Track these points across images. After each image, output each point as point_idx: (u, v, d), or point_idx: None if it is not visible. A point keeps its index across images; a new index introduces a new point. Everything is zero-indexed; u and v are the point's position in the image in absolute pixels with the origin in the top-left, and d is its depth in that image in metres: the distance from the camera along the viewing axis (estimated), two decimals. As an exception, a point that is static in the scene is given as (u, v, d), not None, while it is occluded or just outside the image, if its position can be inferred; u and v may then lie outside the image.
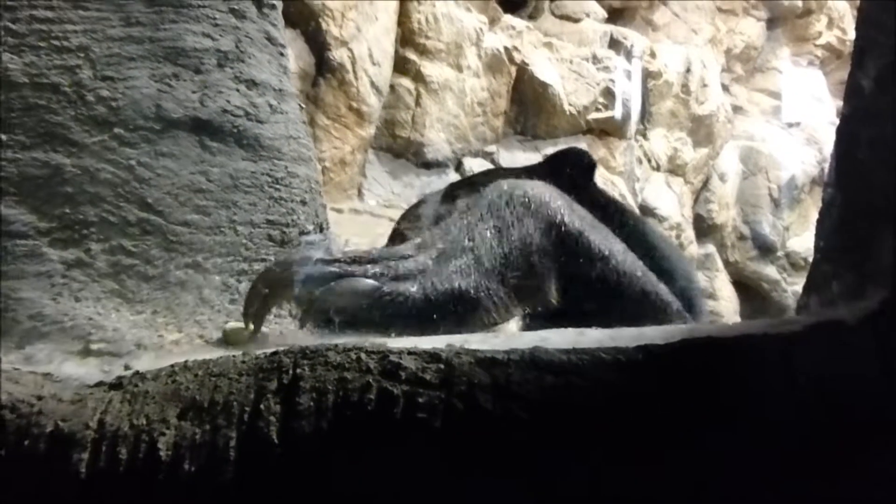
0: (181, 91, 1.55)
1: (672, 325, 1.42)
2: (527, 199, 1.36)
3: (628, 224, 1.95)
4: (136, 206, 1.45)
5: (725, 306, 7.38)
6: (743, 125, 7.23)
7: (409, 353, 1.08)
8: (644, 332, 1.24)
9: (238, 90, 1.68)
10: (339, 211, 5.38)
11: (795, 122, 7.10)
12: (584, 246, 1.38)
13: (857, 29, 1.27)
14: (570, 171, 1.97)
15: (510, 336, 1.30)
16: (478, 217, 1.36)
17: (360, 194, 5.65)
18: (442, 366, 1.06)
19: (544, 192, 1.39)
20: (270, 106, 1.77)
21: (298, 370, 1.05)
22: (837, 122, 1.23)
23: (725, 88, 7.28)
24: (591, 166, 2.08)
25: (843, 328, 1.02)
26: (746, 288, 7.50)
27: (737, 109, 7.26)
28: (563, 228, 1.37)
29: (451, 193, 2.00)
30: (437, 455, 0.98)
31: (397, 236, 1.92)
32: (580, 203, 1.74)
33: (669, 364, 1.05)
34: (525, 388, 1.02)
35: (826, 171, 6.66)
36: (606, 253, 1.41)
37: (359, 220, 5.48)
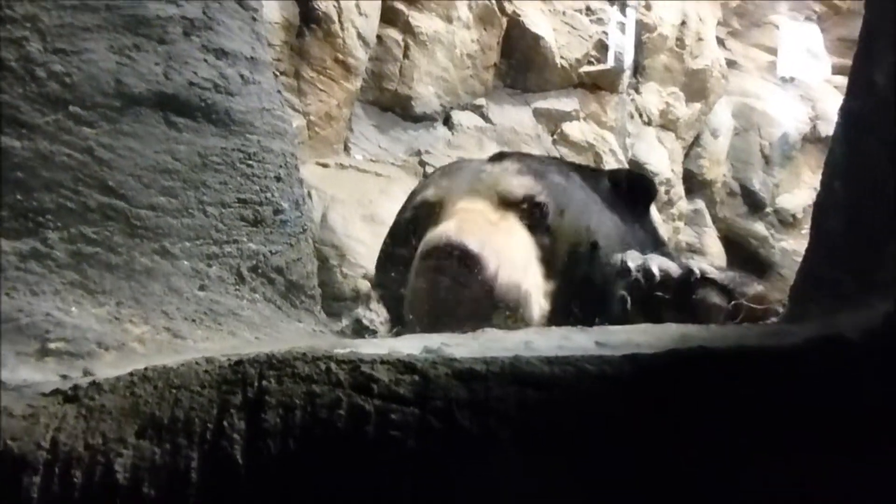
0: (143, 64, 1.43)
1: (664, 325, 1.36)
2: None
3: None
4: (97, 190, 1.36)
5: (713, 262, 7.37)
6: (737, 81, 7.07)
7: (383, 361, 1.02)
8: (632, 335, 1.18)
9: (206, 61, 1.57)
10: (325, 166, 5.26)
11: (790, 78, 6.95)
12: None
13: (866, 13, 1.17)
14: (634, 195, 2.13)
15: (492, 338, 1.23)
16: None
17: (346, 149, 5.51)
18: (417, 377, 0.99)
19: None
20: (242, 76, 1.65)
21: (264, 383, 0.99)
22: (839, 117, 1.14)
23: (721, 43, 7.09)
24: (653, 194, 2.20)
25: (845, 343, 0.96)
26: (735, 244, 7.47)
27: (731, 64, 7.09)
28: None
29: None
30: (411, 478, 0.92)
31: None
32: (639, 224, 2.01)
33: (658, 376, 0.99)
34: (505, 404, 0.96)
35: (818, 128, 6.57)
36: None
37: (345, 174, 5.37)
